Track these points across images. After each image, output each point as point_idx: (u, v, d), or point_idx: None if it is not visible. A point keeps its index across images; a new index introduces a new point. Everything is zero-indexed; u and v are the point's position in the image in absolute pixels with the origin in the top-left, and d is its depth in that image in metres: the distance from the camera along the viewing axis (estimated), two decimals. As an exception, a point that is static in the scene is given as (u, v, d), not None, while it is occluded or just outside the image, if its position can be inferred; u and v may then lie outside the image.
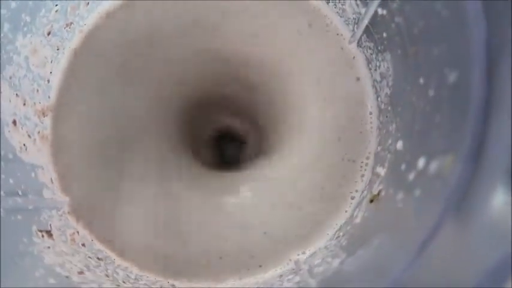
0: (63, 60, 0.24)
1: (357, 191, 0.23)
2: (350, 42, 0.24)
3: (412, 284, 0.15)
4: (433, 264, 0.15)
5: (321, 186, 0.24)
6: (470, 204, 0.14)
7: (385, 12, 0.20)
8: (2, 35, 0.20)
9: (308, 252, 0.23)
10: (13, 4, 0.20)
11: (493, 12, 0.15)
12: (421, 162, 0.16)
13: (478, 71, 0.15)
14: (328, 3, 0.25)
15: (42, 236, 0.19)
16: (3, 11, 0.20)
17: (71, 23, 0.24)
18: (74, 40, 0.24)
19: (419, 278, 0.16)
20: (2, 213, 0.18)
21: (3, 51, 0.20)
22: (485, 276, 0.13)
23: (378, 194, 0.21)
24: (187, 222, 0.23)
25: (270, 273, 0.23)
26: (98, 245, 0.22)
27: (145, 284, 0.21)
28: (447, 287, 0.17)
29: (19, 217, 0.19)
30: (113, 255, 0.22)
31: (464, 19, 0.15)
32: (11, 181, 0.20)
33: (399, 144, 0.20)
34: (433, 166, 0.15)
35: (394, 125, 0.21)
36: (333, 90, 0.25)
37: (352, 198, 0.23)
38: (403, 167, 0.18)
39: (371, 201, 0.21)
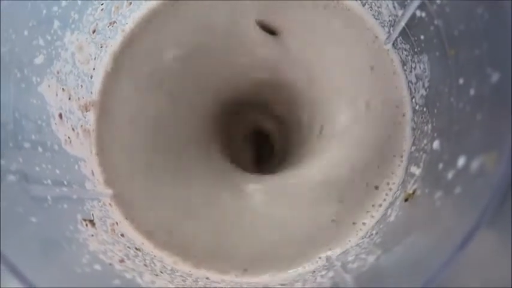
0: (106, 57, 0.25)
1: (390, 189, 0.23)
2: (385, 44, 0.25)
3: (449, 283, 0.15)
4: (471, 264, 0.16)
5: (351, 184, 0.24)
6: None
7: (423, 14, 0.20)
8: (51, 31, 0.21)
9: (339, 250, 0.23)
10: (64, 2, 0.21)
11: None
12: (461, 161, 0.16)
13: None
14: (364, 5, 0.25)
15: (86, 224, 0.20)
16: (54, 8, 0.21)
17: (114, 22, 0.25)
18: (117, 38, 0.25)
19: (457, 277, 0.16)
20: (49, 201, 0.19)
21: (52, 47, 0.21)
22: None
23: (413, 193, 0.21)
24: (223, 218, 0.24)
25: (302, 270, 0.23)
26: (136, 236, 0.23)
27: (181, 275, 0.22)
28: (484, 287, 0.17)
29: (65, 206, 0.20)
30: (150, 247, 0.23)
31: (506, 21, 0.15)
32: (57, 171, 0.21)
33: (436, 144, 0.20)
34: (475, 164, 0.15)
35: (429, 125, 0.21)
36: (367, 92, 0.25)
37: (385, 197, 0.24)
38: (440, 166, 0.18)
39: (406, 200, 0.21)
